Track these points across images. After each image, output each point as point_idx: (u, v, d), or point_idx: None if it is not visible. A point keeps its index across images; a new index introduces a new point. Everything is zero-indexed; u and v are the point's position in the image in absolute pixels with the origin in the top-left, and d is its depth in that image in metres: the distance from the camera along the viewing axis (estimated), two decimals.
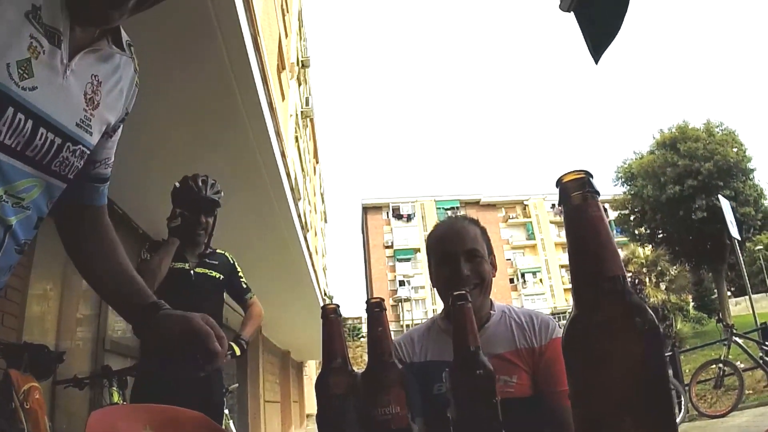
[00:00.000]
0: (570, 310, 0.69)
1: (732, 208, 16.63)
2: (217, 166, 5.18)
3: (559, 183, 0.72)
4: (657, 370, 0.63)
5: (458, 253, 2.16)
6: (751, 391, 11.79)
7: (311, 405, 33.99)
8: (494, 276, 2.25)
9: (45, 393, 3.67)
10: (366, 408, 1.19)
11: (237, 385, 7.32)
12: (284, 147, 7.83)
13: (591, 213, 0.69)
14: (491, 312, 2.24)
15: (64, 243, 1.51)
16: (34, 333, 5.13)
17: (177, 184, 3.85)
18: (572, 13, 2.37)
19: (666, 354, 16.20)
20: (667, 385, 0.64)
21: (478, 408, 1.18)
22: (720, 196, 17.53)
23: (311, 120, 32.19)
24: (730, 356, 11.44)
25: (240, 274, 4.23)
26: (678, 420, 11.65)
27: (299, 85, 24.79)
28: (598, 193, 0.71)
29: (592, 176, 0.71)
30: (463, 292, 1.29)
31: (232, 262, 4.17)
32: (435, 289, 2.27)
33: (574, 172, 0.71)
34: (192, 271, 3.89)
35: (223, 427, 3.79)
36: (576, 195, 0.70)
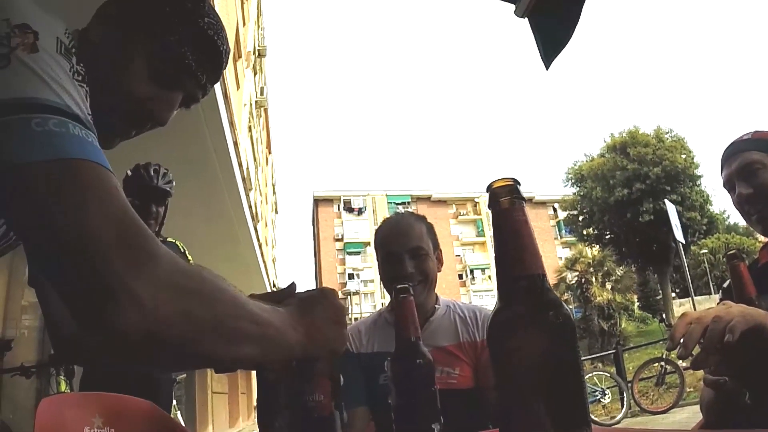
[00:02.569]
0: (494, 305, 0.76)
1: (678, 212, 17.05)
2: (169, 154, 5.14)
3: (489, 188, 0.78)
4: (568, 360, 0.69)
5: (403, 251, 2.25)
6: (691, 389, 12.10)
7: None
8: (440, 271, 2.34)
9: None
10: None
11: (184, 375, 7.27)
12: (237, 136, 7.80)
13: (516, 217, 0.75)
14: (436, 306, 2.34)
15: None
16: None
17: (129, 173, 3.82)
18: (526, 19, 2.43)
19: (609, 351, 16.57)
20: (578, 374, 0.71)
21: (417, 396, 1.25)
22: (666, 201, 17.95)
23: (265, 110, 31.92)
24: (672, 355, 11.72)
25: (191, 262, 4.19)
26: (620, 416, 11.95)
27: (255, 74, 24.58)
28: (524, 200, 0.77)
29: (519, 184, 0.77)
30: (406, 285, 1.36)
31: (182, 251, 4.14)
32: (382, 283, 2.33)
33: (503, 179, 0.78)
34: None
35: (171, 415, 3.79)
36: (504, 200, 0.76)
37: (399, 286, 1.36)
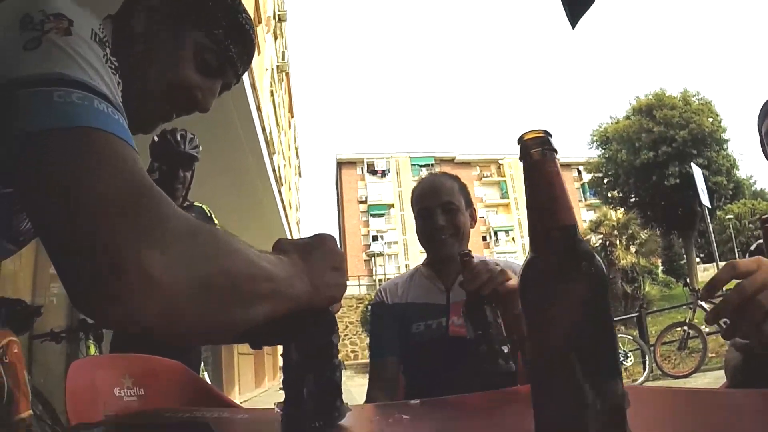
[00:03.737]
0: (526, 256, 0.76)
1: (704, 176, 16.84)
2: (193, 120, 5.14)
3: (521, 140, 0.78)
4: (601, 311, 0.70)
5: (435, 205, 2.38)
6: (713, 354, 12.02)
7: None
8: (473, 227, 2.47)
9: (23, 348, 3.69)
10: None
11: None
12: (259, 101, 7.79)
13: (548, 168, 0.75)
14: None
15: None
16: (8, 290, 5.15)
17: (155, 138, 3.83)
18: None
19: (632, 314, 16.50)
20: (610, 325, 0.71)
21: (490, 326, 1.67)
22: (693, 164, 17.71)
23: (287, 74, 31.81)
24: (695, 320, 11.68)
25: (217, 226, 4.21)
26: (642, 379, 11.92)
27: (275, 39, 24.46)
28: (555, 151, 0.76)
29: (551, 135, 0.77)
30: (467, 251, 1.84)
31: (209, 214, 4.16)
32: (418, 238, 2.49)
33: (534, 131, 0.77)
34: None
35: (200, 375, 3.84)
36: (535, 152, 0.76)
37: (462, 252, 1.84)
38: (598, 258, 0.71)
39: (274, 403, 1.11)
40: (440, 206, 2.37)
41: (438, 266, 2.48)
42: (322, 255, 1.06)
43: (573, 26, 2.56)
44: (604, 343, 0.69)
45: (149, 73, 1.21)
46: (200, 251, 0.81)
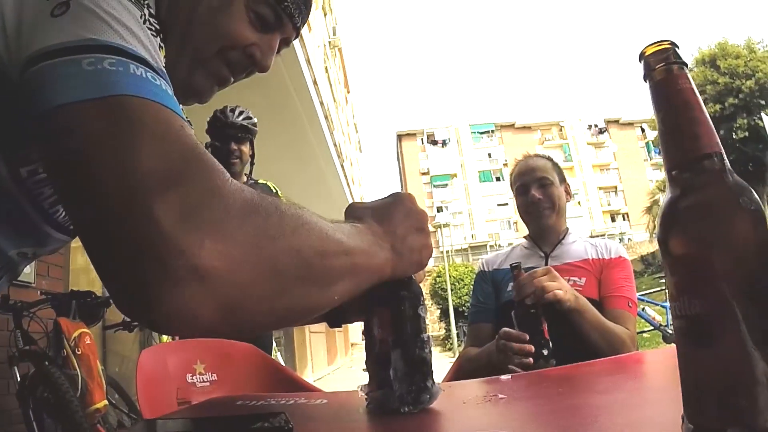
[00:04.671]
0: (663, 195, 0.63)
1: None
2: (252, 101, 5.13)
3: (642, 57, 0.64)
4: (766, 254, 0.56)
5: (530, 181, 2.61)
6: None
7: (355, 334, 34.52)
8: (569, 201, 2.70)
9: (96, 338, 3.72)
10: None
11: None
12: (314, 75, 7.76)
13: (680, 86, 0.61)
14: (568, 231, 2.70)
15: None
16: (80, 283, 5.24)
17: (209, 119, 3.81)
18: None
19: None
20: None
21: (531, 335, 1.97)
22: (763, 114, 17.11)
23: (340, 50, 31.89)
24: None
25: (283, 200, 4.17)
26: None
27: (324, 15, 24.47)
28: (685, 64, 0.63)
29: (678, 46, 0.63)
30: (517, 263, 2.14)
31: (275, 191, 4.11)
32: (520, 216, 2.74)
33: (656, 43, 0.64)
34: None
35: (272, 356, 3.82)
36: (660, 68, 0.63)
37: (512, 264, 2.14)
38: (753, 191, 0.57)
39: (359, 386, 1.01)
40: (536, 182, 2.59)
41: (537, 237, 2.70)
42: (402, 216, 0.96)
43: None
44: None
45: (198, 33, 1.09)
46: (262, 229, 0.69)
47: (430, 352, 0.99)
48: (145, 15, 0.82)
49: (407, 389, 0.94)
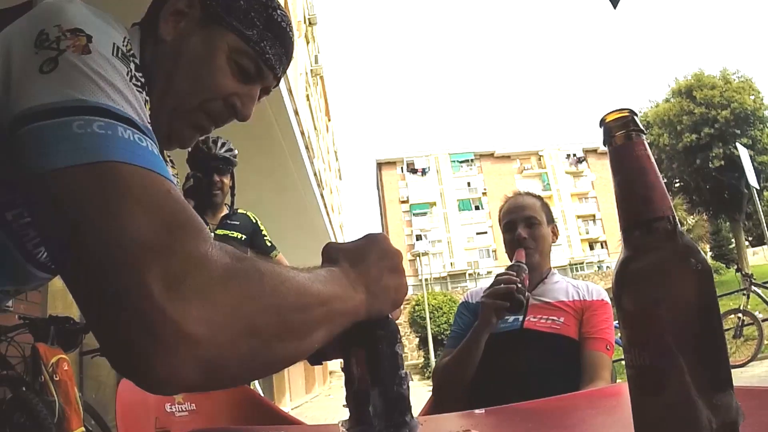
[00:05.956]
0: (619, 254, 0.68)
1: (750, 156, 16.42)
2: (233, 130, 5.16)
3: (602, 123, 0.70)
4: (711, 311, 0.61)
5: (518, 219, 2.64)
6: None
7: (333, 362, 34.17)
8: (554, 242, 2.76)
9: (73, 364, 3.71)
10: None
11: None
12: (296, 105, 7.79)
13: (637, 152, 0.67)
14: (551, 270, 2.73)
15: None
16: (58, 307, 5.19)
17: (188, 151, 3.83)
18: None
19: None
20: (720, 326, 0.63)
21: None
22: (738, 144, 17.35)
23: (321, 78, 32.02)
24: (749, 306, 11.34)
25: (264, 232, 4.20)
26: None
27: (307, 43, 24.60)
28: (643, 132, 0.68)
29: (636, 114, 0.69)
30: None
31: (254, 221, 4.15)
32: (506, 252, 2.69)
33: (616, 111, 0.69)
34: (212, 234, 3.87)
35: (250, 386, 3.83)
36: (620, 134, 0.68)
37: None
38: (702, 252, 0.62)
39: (339, 422, 1.05)
40: (524, 220, 2.63)
41: None
42: (376, 258, 0.97)
43: (615, 6, 2.51)
44: (716, 348, 0.61)
45: (181, 84, 1.13)
46: (242, 292, 0.72)
47: (408, 387, 1.02)
48: (131, 70, 0.87)
49: (386, 425, 0.97)
